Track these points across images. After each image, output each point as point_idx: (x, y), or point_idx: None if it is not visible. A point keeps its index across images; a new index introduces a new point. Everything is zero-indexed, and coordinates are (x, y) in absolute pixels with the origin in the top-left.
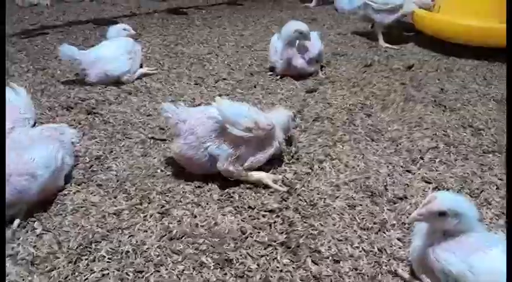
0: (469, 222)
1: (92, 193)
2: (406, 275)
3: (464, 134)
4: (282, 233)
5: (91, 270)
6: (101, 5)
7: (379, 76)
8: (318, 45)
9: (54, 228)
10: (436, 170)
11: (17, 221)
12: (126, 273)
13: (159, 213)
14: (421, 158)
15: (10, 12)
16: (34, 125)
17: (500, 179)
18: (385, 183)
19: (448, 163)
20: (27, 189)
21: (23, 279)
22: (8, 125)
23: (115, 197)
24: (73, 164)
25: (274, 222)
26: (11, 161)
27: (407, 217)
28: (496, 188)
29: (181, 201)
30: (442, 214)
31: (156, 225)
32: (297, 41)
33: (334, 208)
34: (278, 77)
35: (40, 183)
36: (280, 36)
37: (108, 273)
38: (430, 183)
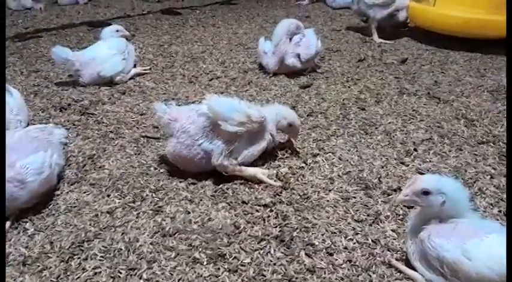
0: (458, 204)
1: (85, 192)
2: (400, 266)
3: (458, 125)
4: (276, 226)
5: (83, 268)
6: (94, 7)
7: (373, 70)
8: (315, 44)
9: (46, 228)
10: (430, 161)
11: (8, 223)
12: (119, 271)
13: (152, 210)
14: (415, 150)
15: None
16: (27, 127)
17: (494, 169)
18: (379, 176)
19: (442, 154)
20: (16, 195)
21: (14, 280)
22: None
23: (108, 196)
24: (64, 164)
25: (268, 216)
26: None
27: (401, 209)
28: (490, 178)
29: (174, 198)
30: (426, 192)
31: (149, 223)
32: (294, 37)
33: (328, 201)
34: (272, 73)
35: (30, 190)
36: (273, 36)
37: (101, 272)
38: (424, 174)
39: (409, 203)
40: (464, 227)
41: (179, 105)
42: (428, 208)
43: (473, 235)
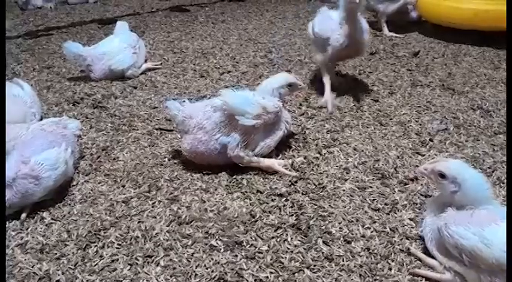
0: (473, 195)
1: (99, 183)
2: (420, 254)
3: (474, 115)
4: (292, 215)
5: (100, 256)
6: (104, 5)
7: (385, 63)
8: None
9: (63, 218)
10: (447, 151)
11: (24, 214)
12: (136, 258)
13: (167, 199)
14: (431, 140)
15: (14, 14)
16: (41, 120)
17: None
18: (395, 166)
19: (459, 144)
20: (31, 192)
21: (32, 267)
22: (17, 118)
23: (123, 186)
24: (79, 156)
25: (284, 205)
26: (15, 161)
27: (418, 197)
28: None
29: (189, 188)
30: (442, 176)
31: (165, 211)
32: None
33: (344, 190)
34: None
35: (46, 186)
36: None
37: (118, 259)
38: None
39: (425, 176)
40: (481, 214)
41: (191, 99)
42: (442, 192)
43: (491, 221)
